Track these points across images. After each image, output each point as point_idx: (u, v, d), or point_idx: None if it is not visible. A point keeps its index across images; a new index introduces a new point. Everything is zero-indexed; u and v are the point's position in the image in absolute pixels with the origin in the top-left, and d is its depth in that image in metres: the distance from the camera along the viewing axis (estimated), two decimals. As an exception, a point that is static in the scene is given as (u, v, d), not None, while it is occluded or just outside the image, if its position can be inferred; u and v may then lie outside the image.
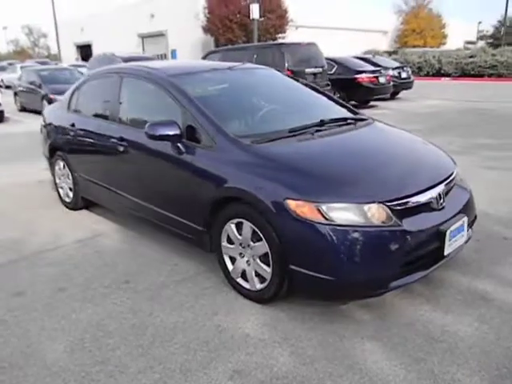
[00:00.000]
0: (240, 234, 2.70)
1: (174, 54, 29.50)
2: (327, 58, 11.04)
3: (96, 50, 33.30)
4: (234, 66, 3.72)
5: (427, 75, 22.63)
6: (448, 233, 2.51)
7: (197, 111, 2.94)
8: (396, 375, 2.10)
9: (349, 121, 3.30)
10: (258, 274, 2.68)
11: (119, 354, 2.32)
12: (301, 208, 2.35)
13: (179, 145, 2.95)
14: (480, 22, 44.60)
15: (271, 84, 3.86)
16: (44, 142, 4.84)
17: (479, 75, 21.19)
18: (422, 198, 2.51)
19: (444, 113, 11.00)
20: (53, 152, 4.58)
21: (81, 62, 27.75)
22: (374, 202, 2.36)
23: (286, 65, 9.33)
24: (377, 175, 2.60)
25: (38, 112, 12.13)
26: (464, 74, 21.76)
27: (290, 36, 24.75)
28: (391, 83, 12.40)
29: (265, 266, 2.60)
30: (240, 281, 2.80)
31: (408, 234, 2.37)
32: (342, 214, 2.32)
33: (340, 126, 3.19)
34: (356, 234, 2.30)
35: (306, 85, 4.03)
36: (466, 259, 3.15)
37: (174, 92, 3.10)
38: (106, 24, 32.82)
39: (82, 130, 4.01)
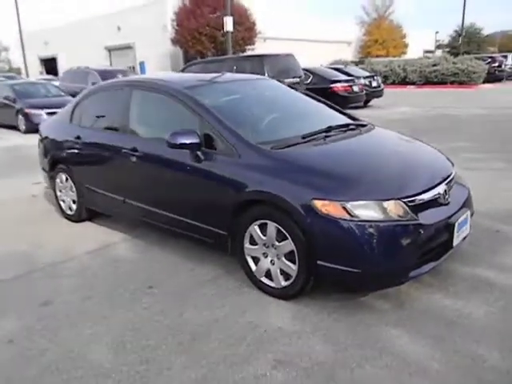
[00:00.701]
0: (264, 235, 2.86)
1: (142, 67, 29.32)
2: (304, 69, 11.41)
3: (61, 64, 32.75)
4: (242, 78, 3.90)
5: (393, 83, 23.53)
6: (456, 225, 2.76)
7: (215, 121, 3.09)
8: (425, 354, 2.31)
9: (353, 126, 3.53)
10: (282, 272, 2.84)
11: (162, 353, 2.42)
12: (326, 207, 2.54)
13: (198, 153, 3.09)
14: (437, 32, 46.73)
15: (276, 93, 4.06)
16: (42, 156, 4.84)
17: (442, 82, 22.25)
18: (432, 194, 2.76)
19: (415, 118, 11.54)
20: (53, 165, 4.59)
21: (46, 76, 27.18)
22: (392, 199, 2.58)
23: (266, 75, 9.57)
24: (391, 174, 2.84)
25: (13, 127, 11.91)
26: (428, 81, 22.79)
27: (259, 48, 25.20)
28: (364, 92, 12.90)
29: (290, 264, 2.77)
30: (264, 279, 2.95)
31: (423, 227, 2.60)
32: (365, 210, 2.53)
33: (346, 131, 3.42)
34: (378, 229, 2.51)
35: (306, 94, 4.26)
36: (466, 251, 3.42)
37: (191, 103, 3.25)
38: (72, 37, 32.33)
39: (89, 141, 4.07)
